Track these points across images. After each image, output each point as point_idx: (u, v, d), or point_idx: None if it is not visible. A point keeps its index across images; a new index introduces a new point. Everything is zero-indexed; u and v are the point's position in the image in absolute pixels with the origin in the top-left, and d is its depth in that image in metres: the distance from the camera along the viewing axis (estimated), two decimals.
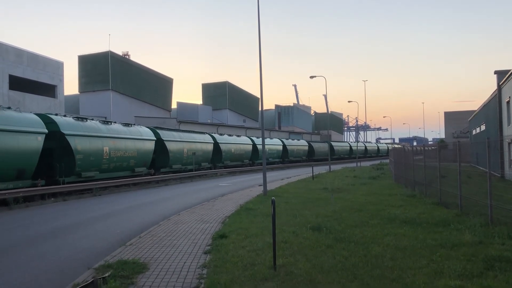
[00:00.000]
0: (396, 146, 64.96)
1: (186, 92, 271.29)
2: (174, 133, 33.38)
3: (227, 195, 19.05)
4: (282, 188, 21.39)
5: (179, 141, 32.79)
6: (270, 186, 21.68)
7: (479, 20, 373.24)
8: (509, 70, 24.72)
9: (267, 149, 48.68)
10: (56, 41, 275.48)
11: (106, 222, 12.63)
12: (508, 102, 25.40)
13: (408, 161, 20.23)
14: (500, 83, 27.37)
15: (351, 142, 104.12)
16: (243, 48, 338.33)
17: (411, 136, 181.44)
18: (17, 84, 33.04)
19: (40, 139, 18.85)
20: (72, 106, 54.54)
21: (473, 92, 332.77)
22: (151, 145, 28.51)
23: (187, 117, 62.62)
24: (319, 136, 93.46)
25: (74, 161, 20.94)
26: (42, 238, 10.39)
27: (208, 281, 6.09)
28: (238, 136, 47.59)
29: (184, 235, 9.73)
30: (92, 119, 24.35)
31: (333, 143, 72.76)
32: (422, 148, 18.67)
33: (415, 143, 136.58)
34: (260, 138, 50.69)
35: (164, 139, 30.64)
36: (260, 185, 22.28)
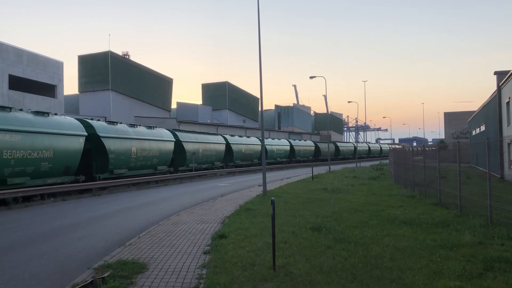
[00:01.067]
0: (397, 146, 65.26)
1: (186, 92, 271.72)
2: (191, 135, 35.64)
3: (226, 195, 19.03)
4: (282, 189, 21.37)
5: (195, 142, 35.15)
6: (269, 187, 21.67)
7: (479, 20, 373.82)
8: (509, 71, 24.72)
9: (275, 149, 52.11)
10: (56, 41, 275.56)
11: (105, 222, 12.62)
12: (507, 103, 25.41)
13: (407, 162, 20.23)
14: (500, 84, 27.38)
15: (355, 142, 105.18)
16: (243, 48, 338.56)
17: (411, 136, 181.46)
18: (17, 84, 33.02)
19: (81, 140, 21.89)
20: (72, 106, 54.54)
21: (473, 92, 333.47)
22: (171, 146, 30.95)
23: (186, 117, 62.64)
24: (319, 136, 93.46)
25: (107, 160, 23.64)
26: (41, 237, 10.39)
27: (208, 281, 6.08)
28: (248, 137, 50.34)
29: (184, 235, 9.73)
30: (121, 123, 27.01)
31: (338, 144, 74.91)
32: (421, 148, 18.67)
33: (415, 144, 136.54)
34: (270, 139, 54.67)
35: (182, 140, 33.07)
36: (259, 186, 22.28)
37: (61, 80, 37.55)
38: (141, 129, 27.86)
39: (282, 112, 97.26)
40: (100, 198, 19.89)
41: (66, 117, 22.51)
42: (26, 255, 8.54)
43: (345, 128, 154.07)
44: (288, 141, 58.89)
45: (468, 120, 56.32)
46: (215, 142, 38.92)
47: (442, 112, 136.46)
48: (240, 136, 47.30)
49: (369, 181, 25.10)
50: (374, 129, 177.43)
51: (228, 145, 41.50)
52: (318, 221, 10.67)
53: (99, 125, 23.95)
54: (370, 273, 6.28)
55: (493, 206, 9.82)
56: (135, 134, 26.52)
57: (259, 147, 47.58)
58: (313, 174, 29.84)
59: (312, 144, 67.20)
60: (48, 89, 36.52)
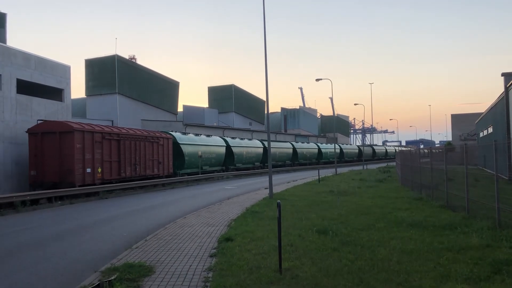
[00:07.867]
0: (409, 148, 66.03)
1: (192, 95, 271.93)
2: (276, 143, 52.57)
3: (233, 198, 19.04)
4: (288, 191, 21.34)
5: (277, 148, 50.81)
6: (276, 189, 21.64)
7: (487, 21, 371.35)
8: None
9: (328, 152, 65.42)
10: (63, 45, 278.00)
11: (112, 225, 12.69)
12: None
13: (414, 164, 20.12)
14: (508, 85, 27.17)
15: (382, 146, 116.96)
16: (249, 51, 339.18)
17: (418, 138, 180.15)
18: (25, 87, 33.24)
19: (224, 149, 39.56)
20: (79, 110, 54.81)
21: (481, 94, 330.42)
22: (261, 150, 47.56)
23: (193, 120, 62.74)
24: (325, 139, 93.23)
25: (233, 159, 41.36)
26: (48, 240, 10.46)
27: (214, 284, 6.10)
28: (308, 143, 65.62)
29: (190, 238, 9.75)
30: (243, 139, 46.72)
31: (374, 147, 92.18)
32: (429, 150, 18.57)
33: (422, 146, 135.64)
34: (319, 144, 65.85)
35: (266, 146, 46.92)
36: (266, 188, 22.24)
37: (68, 84, 37.72)
38: (246, 141, 46.46)
39: (288, 114, 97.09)
40: (107, 201, 19.97)
41: (216, 136, 41.38)
42: (33, 257, 8.61)
43: (352, 131, 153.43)
44: (339, 145, 72.60)
45: (476, 122, 55.92)
46: (253, 146, 52.43)
47: (449, 114, 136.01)
48: (302, 143, 62.98)
49: (376, 184, 24.99)
50: (380, 131, 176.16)
51: (319, 150, 61.63)
52: (324, 223, 10.65)
53: (230, 140, 42.08)
54: (376, 276, 6.26)
55: (501, 208, 9.72)
56: (245, 144, 44.95)
57: (316, 150, 63.60)
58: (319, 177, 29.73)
59: (356, 147, 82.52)
60: (56, 93, 36.68)
